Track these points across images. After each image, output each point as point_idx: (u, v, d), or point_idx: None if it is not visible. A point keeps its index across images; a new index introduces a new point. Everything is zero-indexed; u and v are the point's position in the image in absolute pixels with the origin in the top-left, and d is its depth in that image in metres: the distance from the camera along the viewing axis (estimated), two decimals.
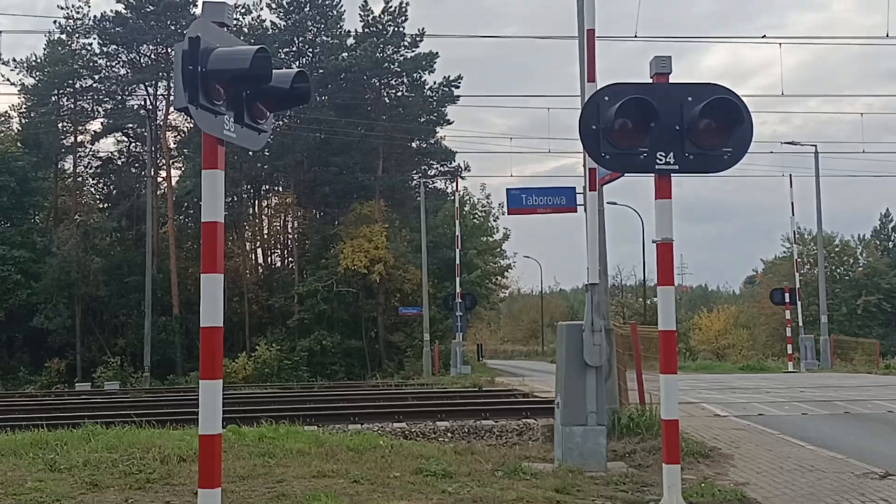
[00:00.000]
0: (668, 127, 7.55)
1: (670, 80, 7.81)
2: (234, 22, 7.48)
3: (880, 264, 59.82)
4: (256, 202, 55.03)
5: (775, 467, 10.05)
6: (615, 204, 49.18)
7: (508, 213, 16.28)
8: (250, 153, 43.30)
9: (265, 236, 55.83)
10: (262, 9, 52.01)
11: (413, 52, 48.75)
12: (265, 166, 51.13)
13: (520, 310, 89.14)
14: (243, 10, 50.26)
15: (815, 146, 37.54)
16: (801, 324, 35.17)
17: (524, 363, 55.89)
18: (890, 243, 63.67)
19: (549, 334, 73.27)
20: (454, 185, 44.62)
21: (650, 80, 7.86)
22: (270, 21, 51.00)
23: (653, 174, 7.74)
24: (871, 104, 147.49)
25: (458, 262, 37.57)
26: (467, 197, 54.58)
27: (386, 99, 50.25)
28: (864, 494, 8.53)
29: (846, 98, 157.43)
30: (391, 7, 48.69)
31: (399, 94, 50.64)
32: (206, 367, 5.75)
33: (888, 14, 39.06)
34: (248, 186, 52.94)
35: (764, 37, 26.61)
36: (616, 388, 12.20)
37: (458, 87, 48.73)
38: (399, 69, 49.02)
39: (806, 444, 11.73)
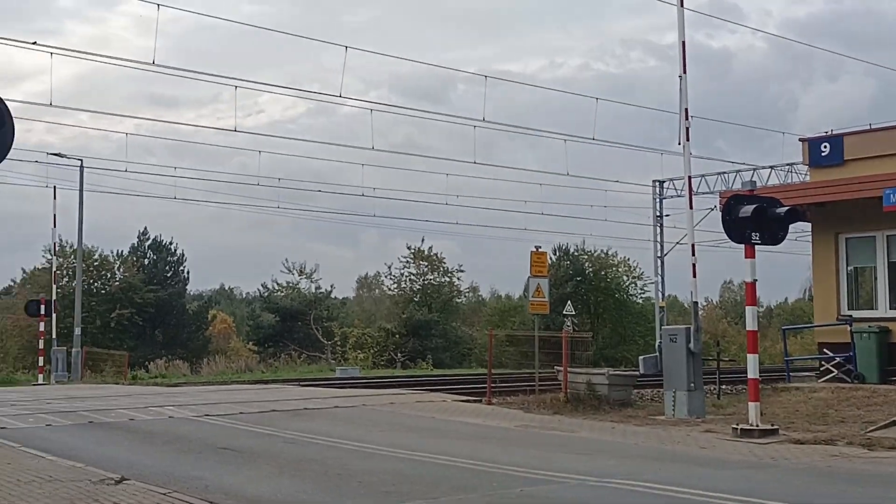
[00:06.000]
0: None
1: None
2: None
3: (135, 280, 62.38)
4: None
5: (12, 480, 9.84)
6: None
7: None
8: None
9: None
10: None
11: None
12: None
13: None
14: None
15: (81, 160, 38.06)
16: (55, 336, 35.10)
17: None
18: (146, 260, 66.77)
19: None
20: None
21: None
22: None
23: None
24: (139, 125, 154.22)
25: None
26: None
27: None
28: (97, 500, 8.88)
29: (115, 116, 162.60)
30: None
31: None
32: None
33: (156, 41, 41.55)
34: None
35: (35, 43, 26.12)
36: None
37: None
38: None
39: (47, 454, 11.70)
